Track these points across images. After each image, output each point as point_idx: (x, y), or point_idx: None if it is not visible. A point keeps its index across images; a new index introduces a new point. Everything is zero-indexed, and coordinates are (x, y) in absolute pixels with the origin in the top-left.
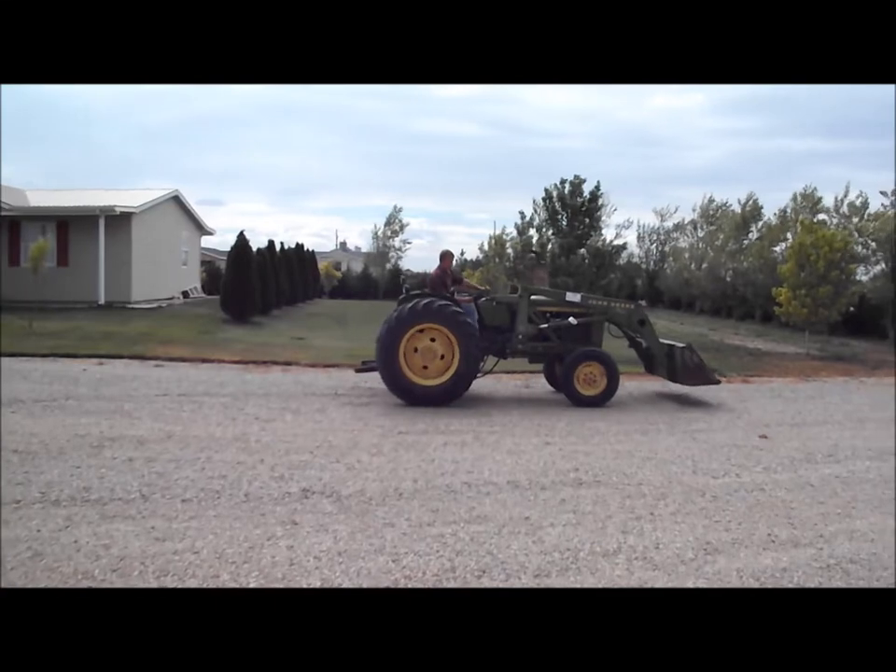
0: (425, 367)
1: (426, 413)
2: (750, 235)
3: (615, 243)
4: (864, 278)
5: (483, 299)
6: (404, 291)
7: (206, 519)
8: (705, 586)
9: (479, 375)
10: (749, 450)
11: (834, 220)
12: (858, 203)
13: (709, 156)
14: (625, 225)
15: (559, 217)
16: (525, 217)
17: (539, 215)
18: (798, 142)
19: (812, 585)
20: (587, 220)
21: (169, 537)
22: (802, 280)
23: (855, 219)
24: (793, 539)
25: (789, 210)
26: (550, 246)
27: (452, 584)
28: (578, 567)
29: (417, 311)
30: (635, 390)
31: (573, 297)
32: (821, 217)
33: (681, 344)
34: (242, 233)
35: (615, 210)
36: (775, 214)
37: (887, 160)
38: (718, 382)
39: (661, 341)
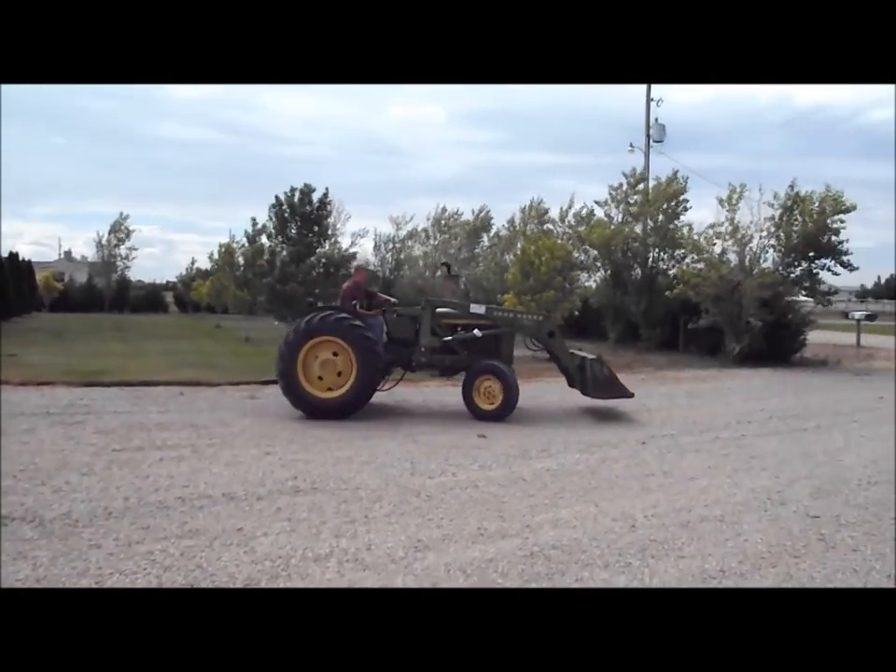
0: (321, 378)
1: (142, 430)
2: (482, 244)
3: (350, 251)
4: (591, 284)
5: (390, 312)
6: (307, 305)
7: None
8: (413, 583)
9: (385, 388)
10: (468, 449)
11: (560, 230)
12: (584, 213)
13: (444, 167)
14: (361, 233)
15: (289, 224)
16: (256, 224)
17: (272, 222)
18: (528, 156)
19: (516, 573)
20: (316, 228)
21: None
22: (527, 286)
23: (581, 229)
24: (501, 531)
25: (517, 220)
26: (283, 254)
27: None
28: (289, 573)
29: (314, 324)
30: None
31: (477, 308)
32: (548, 226)
33: (592, 356)
34: None
35: (349, 218)
36: (505, 225)
37: (608, 173)
38: (631, 395)
39: (572, 352)
